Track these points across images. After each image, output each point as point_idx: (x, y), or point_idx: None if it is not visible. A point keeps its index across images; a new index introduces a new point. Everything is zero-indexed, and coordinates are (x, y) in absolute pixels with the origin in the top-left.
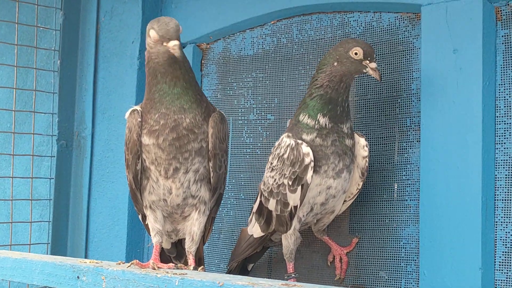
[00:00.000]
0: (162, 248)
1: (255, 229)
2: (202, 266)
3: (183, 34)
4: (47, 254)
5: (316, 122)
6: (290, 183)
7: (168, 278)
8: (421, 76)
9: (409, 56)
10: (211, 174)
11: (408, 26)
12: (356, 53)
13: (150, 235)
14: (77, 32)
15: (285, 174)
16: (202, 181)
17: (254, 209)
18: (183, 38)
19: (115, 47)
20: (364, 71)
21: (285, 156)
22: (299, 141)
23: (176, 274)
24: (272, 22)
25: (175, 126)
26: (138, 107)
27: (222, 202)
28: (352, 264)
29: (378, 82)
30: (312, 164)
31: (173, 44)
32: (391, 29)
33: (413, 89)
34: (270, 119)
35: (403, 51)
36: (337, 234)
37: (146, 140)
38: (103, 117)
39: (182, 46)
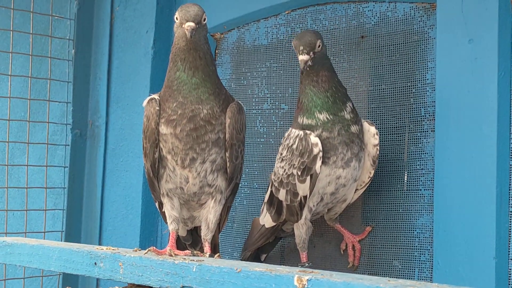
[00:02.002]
0: (178, 235)
1: (266, 219)
2: (218, 254)
3: None
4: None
5: (317, 119)
6: (299, 173)
7: (186, 264)
8: (436, 66)
9: (424, 46)
10: (228, 164)
11: (423, 16)
12: (295, 48)
13: (167, 223)
14: (91, 22)
15: (294, 164)
16: (219, 171)
17: (265, 199)
18: None
19: (129, 36)
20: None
21: (294, 146)
22: (308, 132)
23: (193, 260)
24: (287, 12)
25: (192, 116)
26: (156, 96)
27: None
28: (365, 254)
29: (392, 71)
30: (321, 154)
31: (187, 24)
32: (406, 19)
33: (427, 79)
34: (284, 108)
35: (418, 41)
36: (350, 224)
37: (163, 129)
38: (117, 106)
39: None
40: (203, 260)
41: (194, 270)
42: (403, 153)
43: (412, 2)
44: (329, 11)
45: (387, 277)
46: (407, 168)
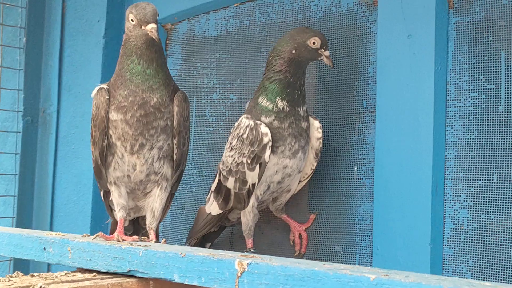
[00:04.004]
0: None
1: (213, 207)
2: (164, 239)
3: None
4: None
5: (275, 106)
6: (249, 161)
7: (132, 249)
8: (377, 60)
9: (366, 41)
10: (175, 151)
11: (365, 11)
12: (314, 43)
13: (114, 211)
14: (43, 10)
15: (244, 153)
16: (165, 158)
17: (213, 188)
18: None
19: (81, 25)
20: (319, 58)
21: (244, 136)
22: (258, 122)
23: (140, 245)
24: (236, 4)
25: (143, 103)
26: (104, 85)
27: (185, 179)
28: (310, 240)
29: (336, 64)
30: (270, 143)
31: (150, 27)
32: (350, 14)
33: (369, 73)
34: (232, 99)
35: (360, 35)
36: (296, 211)
37: (114, 115)
38: (68, 94)
39: None
40: (150, 245)
41: (140, 254)
42: (348, 143)
43: None
44: (276, 5)
45: (323, 261)
46: (351, 158)
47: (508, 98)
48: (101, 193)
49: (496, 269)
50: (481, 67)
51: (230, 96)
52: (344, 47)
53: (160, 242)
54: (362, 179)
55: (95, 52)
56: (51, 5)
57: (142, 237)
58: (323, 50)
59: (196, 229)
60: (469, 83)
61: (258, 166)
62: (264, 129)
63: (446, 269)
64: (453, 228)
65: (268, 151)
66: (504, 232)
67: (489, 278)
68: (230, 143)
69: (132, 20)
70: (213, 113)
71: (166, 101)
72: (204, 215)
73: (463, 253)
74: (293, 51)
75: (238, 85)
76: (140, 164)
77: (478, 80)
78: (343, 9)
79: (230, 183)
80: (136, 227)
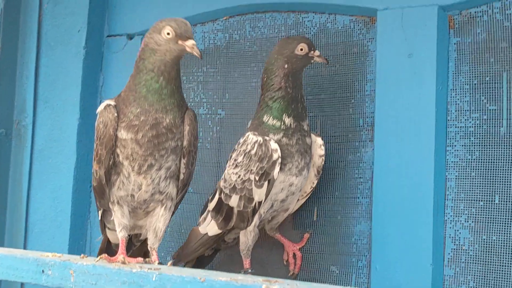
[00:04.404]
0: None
1: (210, 227)
2: (170, 261)
3: (131, 25)
4: None
5: (282, 123)
6: (257, 178)
7: (145, 273)
8: (376, 78)
9: (364, 59)
10: (183, 171)
11: (362, 29)
12: (301, 49)
13: (109, 229)
14: (18, 18)
15: (251, 169)
16: (171, 178)
17: (210, 208)
18: (131, 29)
19: (60, 34)
20: (312, 61)
21: (253, 152)
22: (267, 138)
23: (151, 269)
24: (224, 18)
25: (155, 124)
26: (111, 102)
27: None
28: (303, 259)
29: (331, 81)
30: (280, 160)
31: (191, 43)
32: (346, 31)
33: (367, 91)
34: (220, 114)
35: (357, 53)
36: (283, 230)
37: (123, 134)
38: (45, 106)
39: (130, 37)
40: (160, 269)
41: (153, 279)
42: (343, 161)
43: (352, 15)
44: (268, 19)
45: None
46: (346, 176)
47: (510, 119)
48: (100, 212)
49: None
50: (483, 88)
51: (218, 111)
52: (340, 64)
53: (164, 265)
54: (358, 198)
55: (74, 62)
56: (26, 12)
57: (147, 259)
58: (312, 52)
59: (187, 251)
60: (470, 103)
61: (266, 183)
62: (274, 145)
63: None
64: (454, 249)
65: (277, 168)
66: (505, 253)
67: None
68: (235, 160)
69: (168, 34)
70: (200, 128)
71: (178, 122)
72: (198, 236)
73: (464, 274)
74: (286, 66)
75: (226, 100)
76: (146, 184)
77: (480, 100)
78: (339, 25)
79: (234, 201)
80: (128, 244)
